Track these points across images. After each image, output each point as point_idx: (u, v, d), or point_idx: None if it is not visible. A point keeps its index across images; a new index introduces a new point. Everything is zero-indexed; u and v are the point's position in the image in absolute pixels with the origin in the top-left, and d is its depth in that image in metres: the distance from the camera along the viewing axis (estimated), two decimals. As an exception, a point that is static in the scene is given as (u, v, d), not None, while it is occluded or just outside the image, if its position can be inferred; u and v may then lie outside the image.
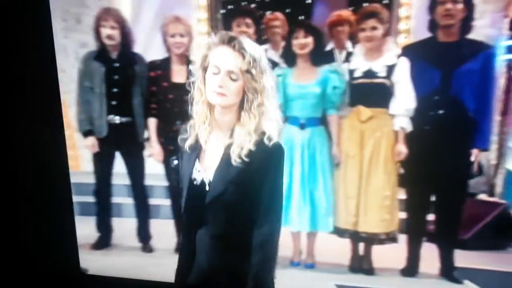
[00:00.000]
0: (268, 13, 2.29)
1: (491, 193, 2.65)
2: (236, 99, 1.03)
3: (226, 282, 1.13)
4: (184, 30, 2.11)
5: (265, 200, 1.07)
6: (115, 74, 2.15)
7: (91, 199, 2.35)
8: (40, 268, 2.03)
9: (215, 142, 1.09)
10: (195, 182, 1.09)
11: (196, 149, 1.10)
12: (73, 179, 2.12)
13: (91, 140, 2.24)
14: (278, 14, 2.26)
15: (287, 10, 2.31)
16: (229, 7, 2.58)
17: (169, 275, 1.24)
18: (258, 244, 1.08)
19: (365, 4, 2.03)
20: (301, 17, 2.38)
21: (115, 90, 2.17)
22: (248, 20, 2.12)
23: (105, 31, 2.10)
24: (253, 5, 2.49)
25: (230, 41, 1.00)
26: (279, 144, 1.07)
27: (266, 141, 1.04)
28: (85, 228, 2.30)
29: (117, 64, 2.16)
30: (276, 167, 1.08)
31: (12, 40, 1.86)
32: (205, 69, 1.04)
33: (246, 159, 1.02)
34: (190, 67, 1.08)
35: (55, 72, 1.93)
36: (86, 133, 2.24)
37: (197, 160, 1.09)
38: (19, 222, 2.01)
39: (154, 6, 2.36)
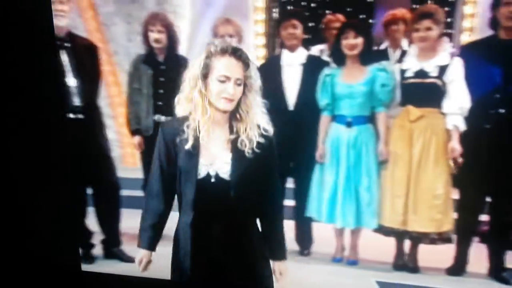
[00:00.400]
0: (328, 13, 2.27)
1: None
2: (234, 95, 1.13)
3: (238, 270, 1.22)
4: (234, 30, 2.14)
5: (275, 182, 1.27)
6: (161, 76, 2.19)
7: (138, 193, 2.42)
8: (40, 266, 2.01)
9: (215, 139, 1.17)
10: (201, 177, 1.16)
11: (196, 147, 1.16)
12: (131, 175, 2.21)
13: (138, 139, 2.31)
14: (339, 16, 2.24)
15: (348, 9, 2.30)
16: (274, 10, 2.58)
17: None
18: (279, 219, 1.29)
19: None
20: (363, 16, 2.36)
21: (161, 91, 2.21)
22: (295, 22, 2.10)
23: (152, 35, 2.15)
24: (313, 5, 2.48)
25: (235, 52, 1.12)
26: (268, 135, 1.21)
27: (263, 132, 1.18)
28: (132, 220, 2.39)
29: (163, 67, 2.20)
30: (275, 155, 1.24)
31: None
32: (204, 76, 1.12)
33: (257, 150, 1.15)
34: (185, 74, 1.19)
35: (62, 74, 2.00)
36: (134, 132, 2.31)
37: (200, 157, 1.16)
38: (19, 221, 1.98)
39: (215, 8, 2.39)
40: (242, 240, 1.22)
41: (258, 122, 1.18)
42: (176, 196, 1.26)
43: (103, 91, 2.39)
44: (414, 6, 2.27)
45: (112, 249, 2.31)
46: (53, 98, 1.92)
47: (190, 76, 1.16)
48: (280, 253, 1.29)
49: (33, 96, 1.88)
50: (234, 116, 1.17)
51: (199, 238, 1.20)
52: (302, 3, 2.52)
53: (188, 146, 1.15)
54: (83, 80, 2.10)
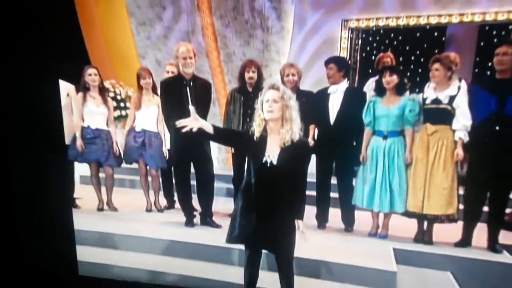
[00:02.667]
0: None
1: None
2: (278, 114, 1.88)
3: (274, 224, 1.93)
4: (295, 71, 3.10)
5: (303, 170, 1.98)
6: (249, 102, 3.09)
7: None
8: (39, 271, 2.08)
9: (271, 140, 1.91)
10: (264, 162, 1.90)
11: (263, 143, 1.91)
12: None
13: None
14: (390, 53, 3.31)
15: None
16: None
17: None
18: (302, 192, 1.98)
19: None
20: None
21: (249, 111, 3.14)
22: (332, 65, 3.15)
23: (248, 74, 3.13)
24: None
25: (273, 86, 1.91)
26: (304, 139, 1.97)
27: (300, 136, 1.90)
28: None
29: (251, 95, 3.12)
30: (307, 153, 2.05)
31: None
32: (262, 101, 1.91)
33: (295, 148, 1.89)
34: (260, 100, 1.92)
35: (56, 84, 2.22)
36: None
37: (266, 149, 1.90)
38: (16, 222, 2.02)
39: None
40: (277, 202, 1.91)
41: (295, 130, 1.89)
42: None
43: (217, 110, 3.40)
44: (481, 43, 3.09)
45: (206, 219, 3.24)
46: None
47: (258, 102, 1.95)
48: (300, 214, 1.97)
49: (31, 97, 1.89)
50: (281, 126, 1.91)
51: (250, 199, 1.94)
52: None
53: (256, 137, 1.94)
54: (198, 105, 3.00)
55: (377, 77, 3.09)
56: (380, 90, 2.95)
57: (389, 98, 2.93)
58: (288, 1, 4.36)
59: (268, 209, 1.93)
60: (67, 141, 3.46)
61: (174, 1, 4.62)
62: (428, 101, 2.82)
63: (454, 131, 2.77)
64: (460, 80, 2.85)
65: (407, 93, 2.95)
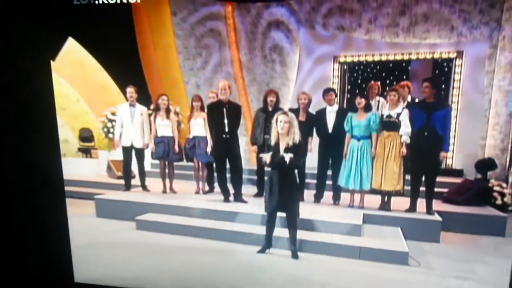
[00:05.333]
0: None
1: (506, 181, 4.78)
2: (286, 129, 3.40)
3: (288, 194, 3.50)
4: (306, 97, 4.67)
5: (303, 160, 3.95)
6: (269, 118, 4.61)
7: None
8: (35, 277, 2.09)
9: (282, 142, 3.44)
10: (279, 156, 3.45)
11: (277, 145, 3.52)
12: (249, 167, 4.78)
13: (255, 148, 4.86)
14: (377, 83, 4.90)
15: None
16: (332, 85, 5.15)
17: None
18: (303, 174, 3.88)
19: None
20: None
21: (268, 124, 4.69)
22: (331, 93, 4.63)
23: (269, 98, 4.71)
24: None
25: (284, 113, 3.47)
26: (302, 141, 3.48)
27: (299, 140, 3.44)
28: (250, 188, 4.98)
29: (271, 113, 4.63)
30: (305, 149, 3.93)
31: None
32: (276, 121, 3.44)
33: (297, 146, 3.43)
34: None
35: (50, 80, 2.34)
36: (253, 144, 4.87)
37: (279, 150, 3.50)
38: (13, 230, 2.01)
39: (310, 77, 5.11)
40: (290, 180, 3.49)
41: (295, 137, 3.40)
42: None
43: (242, 120, 4.96)
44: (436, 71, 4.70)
45: (237, 197, 4.79)
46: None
47: (273, 121, 3.56)
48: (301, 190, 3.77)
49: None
50: (288, 135, 3.44)
51: (272, 181, 3.55)
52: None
53: (272, 144, 3.57)
54: (230, 121, 4.65)
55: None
56: (353, 109, 4.48)
57: (360, 114, 4.45)
58: (294, 43, 5.99)
59: (283, 187, 3.48)
60: (150, 146, 5.18)
61: (210, 43, 6.31)
62: (384, 116, 4.34)
63: (400, 136, 4.26)
64: (404, 102, 4.37)
65: (372, 110, 4.49)
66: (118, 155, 5.56)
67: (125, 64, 6.14)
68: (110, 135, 6.22)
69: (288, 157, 3.38)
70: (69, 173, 6.14)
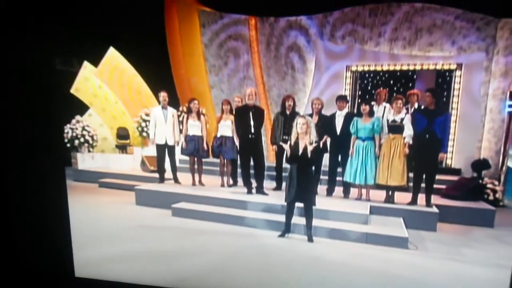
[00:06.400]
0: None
1: (498, 179, 5.38)
2: (304, 130, 4.05)
3: (306, 187, 4.12)
4: (320, 102, 5.29)
5: (319, 157, 4.56)
6: (287, 120, 5.30)
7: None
8: (35, 271, 2.07)
9: (301, 142, 4.07)
10: (299, 154, 4.12)
11: (296, 145, 4.18)
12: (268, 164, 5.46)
13: (275, 147, 5.51)
14: (385, 90, 5.48)
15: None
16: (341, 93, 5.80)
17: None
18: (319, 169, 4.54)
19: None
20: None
21: (286, 126, 5.35)
22: (344, 101, 5.26)
23: (287, 103, 5.35)
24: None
25: (302, 116, 4.22)
26: (317, 140, 4.16)
27: (316, 139, 4.11)
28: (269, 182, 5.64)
29: (288, 116, 5.31)
30: (320, 148, 4.54)
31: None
32: (296, 123, 4.10)
33: (314, 144, 4.07)
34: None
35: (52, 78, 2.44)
36: (273, 144, 5.52)
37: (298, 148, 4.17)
38: (12, 227, 2.00)
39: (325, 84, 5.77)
40: (307, 174, 4.15)
41: (312, 137, 4.06)
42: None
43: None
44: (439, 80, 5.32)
45: (259, 190, 5.43)
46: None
47: (294, 124, 4.21)
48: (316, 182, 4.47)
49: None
50: (305, 135, 4.12)
51: (292, 175, 4.20)
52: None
53: (292, 143, 4.23)
54: (255, 123, 5.30)
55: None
56: (359, 114, 5.11)
57: (365, 118, 5.07)
58: (310, 53, 6.65)
59: (301, 180, 4.12)
60: (180, 143, 5.87)
61: (234, 52, 7.02)
62: (390, 121, 4.95)
63: (404, 138, 4.87)
64: (406, 109, 4.98)
65: (379, 115, 5.11)
66: (151, 151, 6.29)
67: (157, 71, 6.89)
68: (144, 134, 6.97)
69: (312, 147, 4.02)
70: (108, 167, 6.96)
